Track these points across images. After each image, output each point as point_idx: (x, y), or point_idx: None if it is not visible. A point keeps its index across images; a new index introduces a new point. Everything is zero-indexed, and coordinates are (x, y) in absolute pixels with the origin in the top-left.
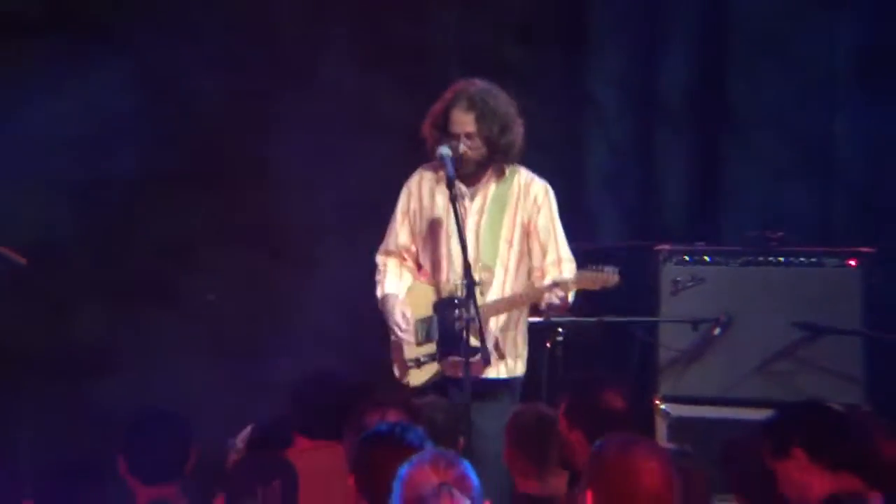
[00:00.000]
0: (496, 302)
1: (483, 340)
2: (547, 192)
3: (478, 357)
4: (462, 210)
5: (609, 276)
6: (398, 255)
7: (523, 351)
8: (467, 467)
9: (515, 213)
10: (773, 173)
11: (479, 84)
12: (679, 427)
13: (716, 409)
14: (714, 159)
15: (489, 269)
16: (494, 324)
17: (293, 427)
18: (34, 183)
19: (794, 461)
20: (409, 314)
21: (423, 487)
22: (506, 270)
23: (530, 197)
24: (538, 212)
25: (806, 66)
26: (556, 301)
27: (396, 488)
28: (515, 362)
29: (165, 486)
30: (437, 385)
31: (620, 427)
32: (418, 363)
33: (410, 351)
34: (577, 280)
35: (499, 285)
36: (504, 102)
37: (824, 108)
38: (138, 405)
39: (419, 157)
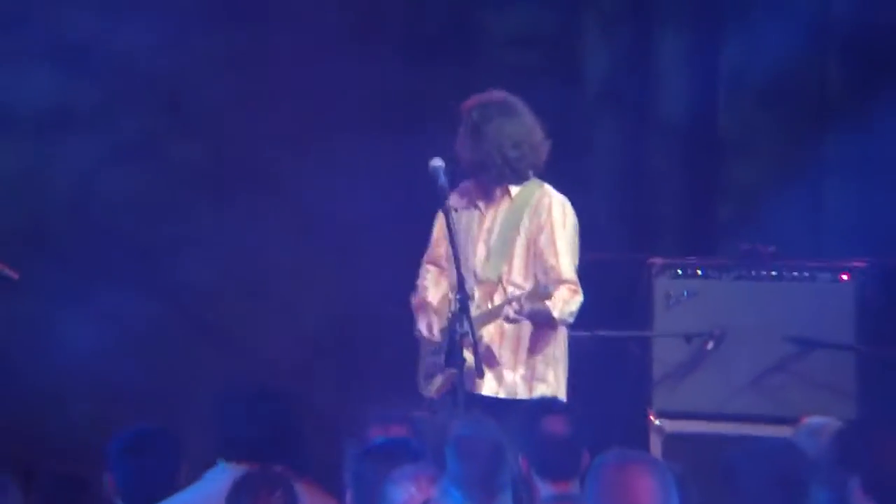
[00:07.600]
0: (482, 314)
1: (476, 353)
2: (553, 208)
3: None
4: (476, 223)
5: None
6: (436, 263)
7: (544, 373)
8: (449, 484)
9: (523, 231)
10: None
11: (484, 99)
12: (673, 442)
13: (710, 425)
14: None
15: (491, 283)
16: (488, 336)
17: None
18: None
19: None
20: (434, 323)
21: None
22: (510, 285)
23: (540, 214)
24: (541, 230)
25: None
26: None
27: None
28: (523, 383)
29: None
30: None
31: None
32: (430, 375)
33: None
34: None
35: (499, 300)
36: (510, 121)
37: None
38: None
39: None
